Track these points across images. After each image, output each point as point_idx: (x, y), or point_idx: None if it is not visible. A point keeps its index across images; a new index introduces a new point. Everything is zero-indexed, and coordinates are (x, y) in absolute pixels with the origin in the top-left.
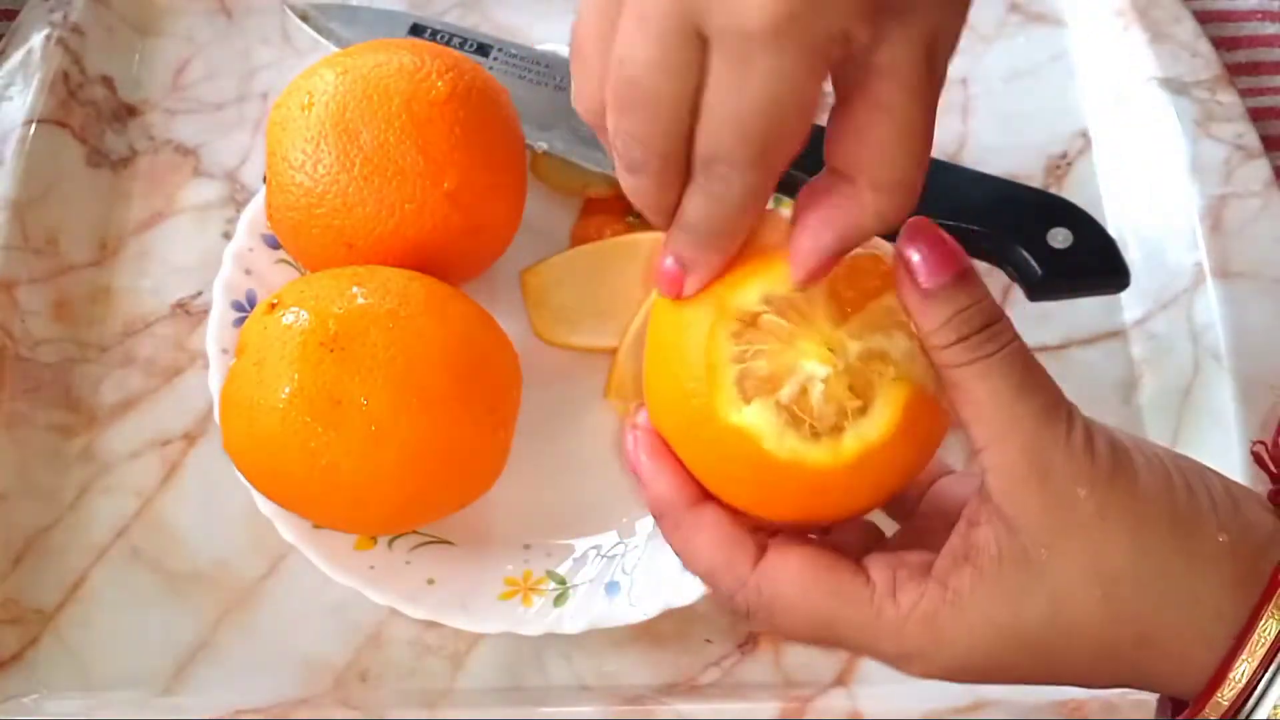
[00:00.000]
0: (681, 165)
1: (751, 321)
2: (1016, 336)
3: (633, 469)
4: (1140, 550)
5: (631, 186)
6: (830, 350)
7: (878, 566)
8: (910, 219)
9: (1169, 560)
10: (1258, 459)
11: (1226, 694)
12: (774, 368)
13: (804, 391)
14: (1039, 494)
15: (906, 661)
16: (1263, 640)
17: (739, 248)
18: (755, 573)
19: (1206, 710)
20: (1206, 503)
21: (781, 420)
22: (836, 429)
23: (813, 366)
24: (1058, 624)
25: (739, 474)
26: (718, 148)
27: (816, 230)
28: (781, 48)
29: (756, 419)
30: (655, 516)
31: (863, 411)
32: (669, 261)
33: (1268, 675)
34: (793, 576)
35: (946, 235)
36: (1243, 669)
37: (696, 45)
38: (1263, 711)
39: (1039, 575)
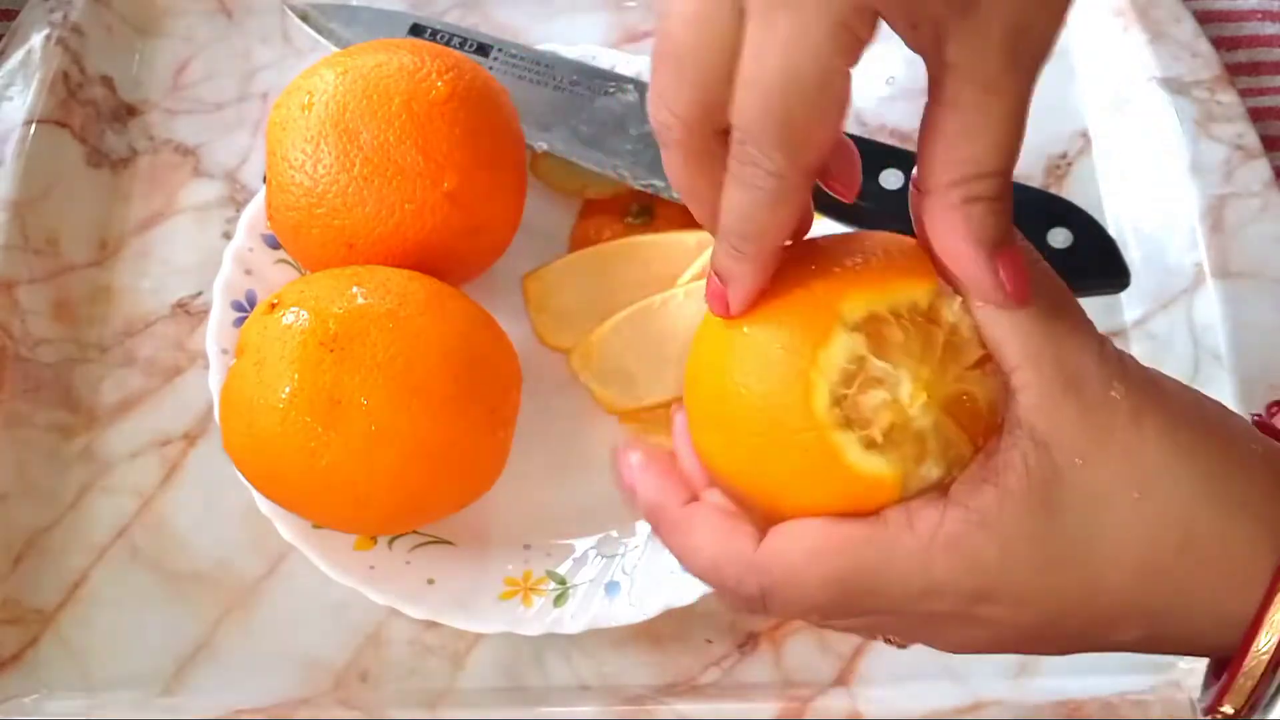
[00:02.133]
0: (710, 144)
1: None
2: (1044, 262)
3: (625, 484)
4: (1176, 447)
5: (666, 164)
6: (927, 390)
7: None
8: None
9: (1207, 459)
10: (1261, 425)
11: (1256, 661)
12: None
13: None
14: (1075, 402)
15: (938, 597)
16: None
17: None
18: (759, 551)
19: (1263, 631)
20: (1238, 420)
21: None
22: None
23: (916, 411)
24: (1095, 533)
25: (827, 501)
26: (742, 120)
27: (942, 237)
28: (801, 7)
29: (886, 467)
30: (651, 523)
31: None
32: (713, 277)
33: None
34: (799, 544)
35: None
36: (1267, 638)
37: (733, 9)
38: None
39: (1073, 486)
